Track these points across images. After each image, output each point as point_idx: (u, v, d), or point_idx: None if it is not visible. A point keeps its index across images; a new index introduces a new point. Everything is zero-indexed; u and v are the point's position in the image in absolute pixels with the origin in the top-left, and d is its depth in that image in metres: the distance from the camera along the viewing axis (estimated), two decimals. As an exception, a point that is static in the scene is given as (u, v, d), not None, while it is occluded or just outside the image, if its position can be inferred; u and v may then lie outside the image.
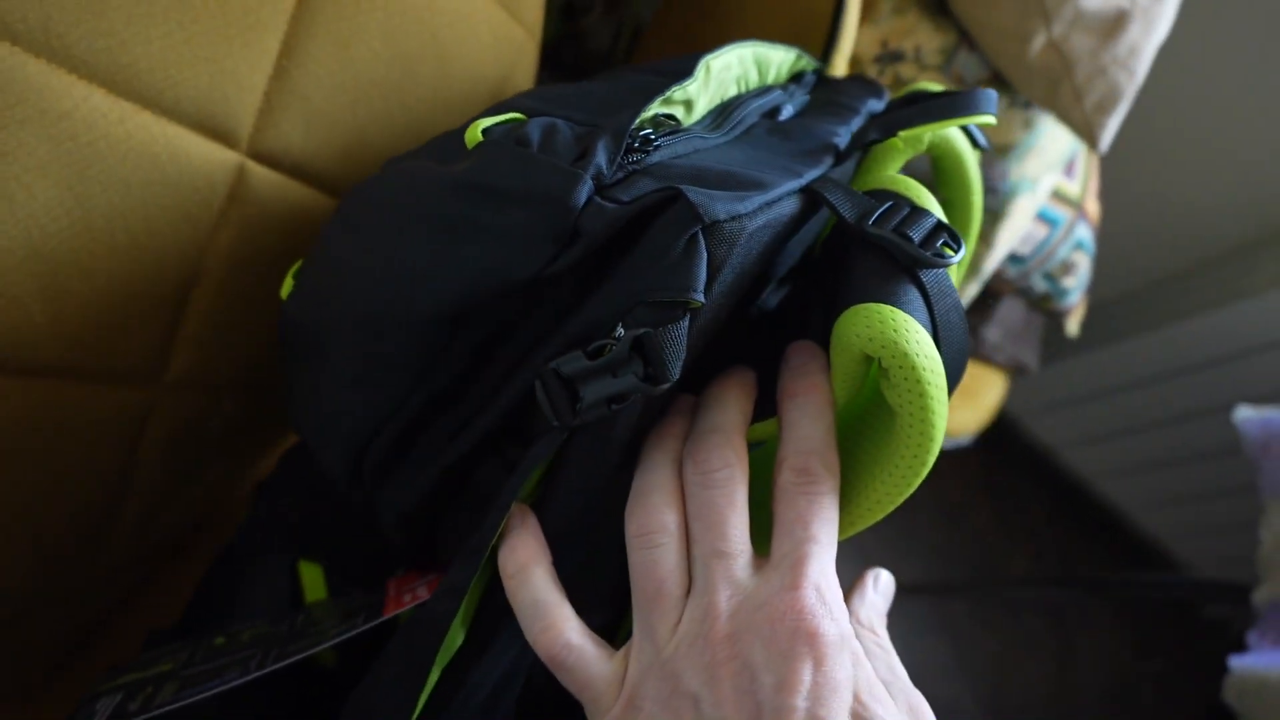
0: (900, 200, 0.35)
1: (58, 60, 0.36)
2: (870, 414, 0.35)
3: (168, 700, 0.40)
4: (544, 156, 0.32)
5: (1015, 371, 1.24)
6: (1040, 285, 1.02)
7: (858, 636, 0.32)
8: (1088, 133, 0.72)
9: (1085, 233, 1.00)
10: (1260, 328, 1.37)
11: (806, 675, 0.28)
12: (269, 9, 0.41)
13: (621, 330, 0.30)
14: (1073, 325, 1.08)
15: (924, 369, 0.29)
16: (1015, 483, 1.97)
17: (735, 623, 0.30)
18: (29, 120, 0.35)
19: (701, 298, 0.30)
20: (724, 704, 0.28)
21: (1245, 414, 1.10)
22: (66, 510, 0.47)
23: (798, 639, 0.29)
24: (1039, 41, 0.67)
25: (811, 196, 0.35)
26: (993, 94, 0.39)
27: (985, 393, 1.22)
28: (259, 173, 0.45)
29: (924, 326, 0.30)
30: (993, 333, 1.13)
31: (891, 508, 0.33)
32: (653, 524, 0.33)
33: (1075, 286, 1.03)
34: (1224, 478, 1.62)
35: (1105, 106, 0.71)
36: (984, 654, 1.73)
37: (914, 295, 0.31)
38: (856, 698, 0.29)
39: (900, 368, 0.29)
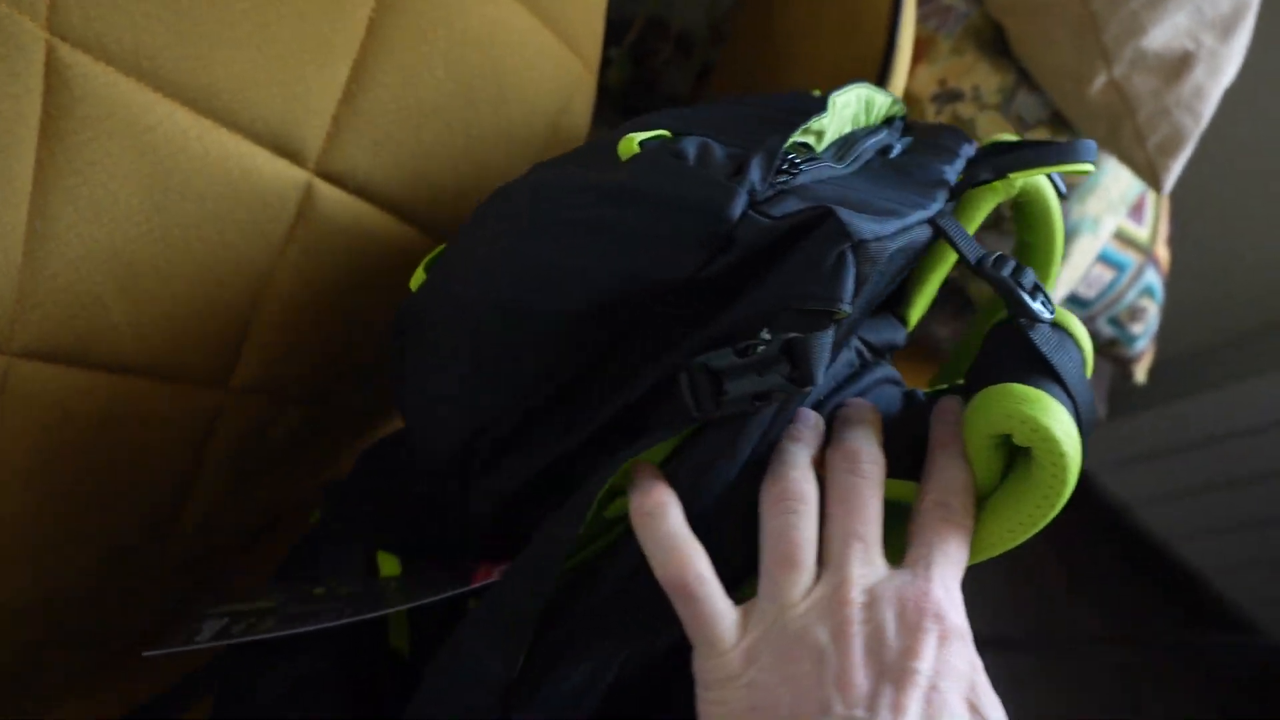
0: (1005, 255, 0.38)
1: (146, 79, 0.39)
2: (1010, 456, 0.37)
3: (268, 630, 0.43)
4: (702, 170, 0.35)
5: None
6: (1106, 330, 1.00)
7: None
8: (1151, 174, 0.72)
9: (1154, 278, 0.98)
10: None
11: (932, 648, 0.30)
12: (342, 37, 0.44)
13: (767, 333, 0.32)
14: (1140, 373, 1.06)
15: (1066, 449, 0.32)
16: (1088, 539, 1.91)
17: (869, 595, 0.32)
18: (117, 133, 0.38)
19: (849, 308, 0.32)
20: (851, 658, 0.30)
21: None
22: (135, 505, 0.50)
23: (927, 616, 0.31)
24: (1099, 82, 0.67)
25: (935, 229, 0.38)
26: (1093, 144, 0.42)
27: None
28: (326, 191, 0.48)
29: (1062, 402, 0.33)
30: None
31: (1007, 547, 0.36)
32: (794, 491, 0.34)
33: (1143, 333, 1.01)
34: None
35: (1169, 148, 0.70)
36: (1048, 712, 1.67)
37: (1044, 381, 0.34)
38: (973, 689, 0.31)
39: (1048, 453, 0.32)
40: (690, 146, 0.36)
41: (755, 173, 0.35)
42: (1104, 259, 0.92)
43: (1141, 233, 0.94)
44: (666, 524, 0.34)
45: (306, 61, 0.43)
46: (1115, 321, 0.99)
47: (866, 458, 0.35)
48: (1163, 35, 0.66)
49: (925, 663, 0.30)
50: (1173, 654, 1.85)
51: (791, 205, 0.34)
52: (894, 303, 0.50)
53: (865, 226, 0.33)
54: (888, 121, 0.51)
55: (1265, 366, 1.40)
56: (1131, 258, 0.94)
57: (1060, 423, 0.32)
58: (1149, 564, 1.90)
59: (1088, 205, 0.80)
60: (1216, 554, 1.77)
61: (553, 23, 0.53)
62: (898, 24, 0.54)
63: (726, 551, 0.36)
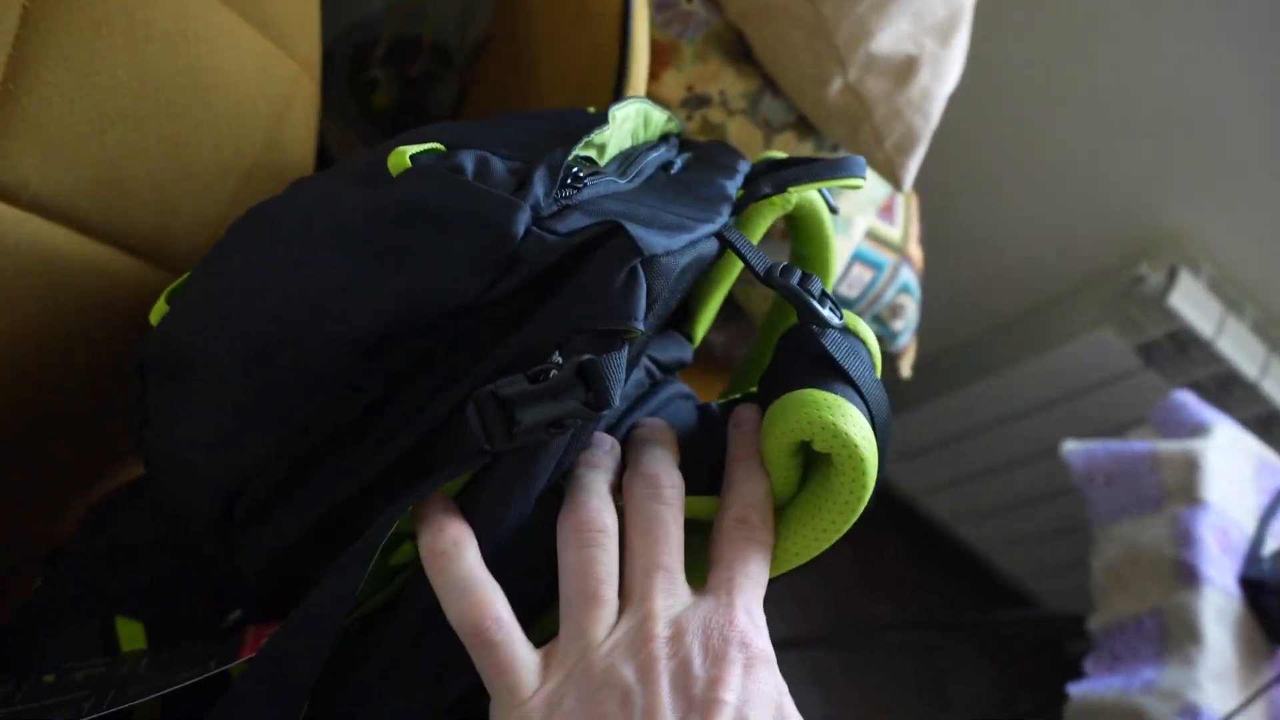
0: (790, 264, 0.39)
1: None
2: (806, 464, 0.37)
3: None
4: (481, 185, 0.33)
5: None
6: (871, 328, 1.04)
7: None
8: (891, 173, 0.75)
9: (910, 276, 1.03)
10: (1084, 369, 1.44)
11: (738, 676, 0.30)
12: (-13, 28, 0.38)
13: (559, 357, 0.31)
14: (905, 367, 1.11)
15: (865, 453, 0.32)
16: (877, 531, 2.00)
17: (674, 628, 0.31)
18: None
19: (642, 326, 0.31)
20: (658, 696, 0.29)
21: (1071, 447, 1.15)
22: None
23: (732, 644, 0.31)
24: (836, 85, 0.70)
25: (722, 242, 0.38)
26: (862, 160, 0.45)
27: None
28: (-8, 208, 0.42)
29: (857, 406, 0.33)
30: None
31: (811, 556, 0.36)
32: (594, 523, 0.33)
33: (904, 329, 1.06)
34: (1071, 515, 1.69)
35: (904, 147, 0.74)
36: (855, 703, 1.73)
37: (838, 384, 0.34)
38: (780, 711, 0.31)
39: (848, 458, 0.32)
40: (467, 160, 0.35)
41: (539, 187, 0.34)
42: (862, 259, 0.96)
43: (894, 233, 0.99)
44: (461, 565, 0.32)
45: (-57, 56, 0.37)
46: (878, 319, 1.03)
47: (666, 482, 0.35)
48: (888, 40, 0.69)
49: (732, 692, 0.30)
50: (965, 632, 1.97)
51: (578, 221, 0.33)
52: (678, 319, 0.50)
53: (655, 241, 0.32)
54: (664, 138, 0.51)
55: (1015, 357, 1.52)
56: (887, 257, 0.99)
57: (857, 426, 0.32)
58: (936, 550, 2.02)
59: (838, 205, 0.83)
60: (995, 534, 1.90)
61: (254, 19, 0.48)
62: (629, 18, 0.53)
63: (522, 587, 0.34)
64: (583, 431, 0.35)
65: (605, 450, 0.37)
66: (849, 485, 0.33)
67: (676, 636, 0.31)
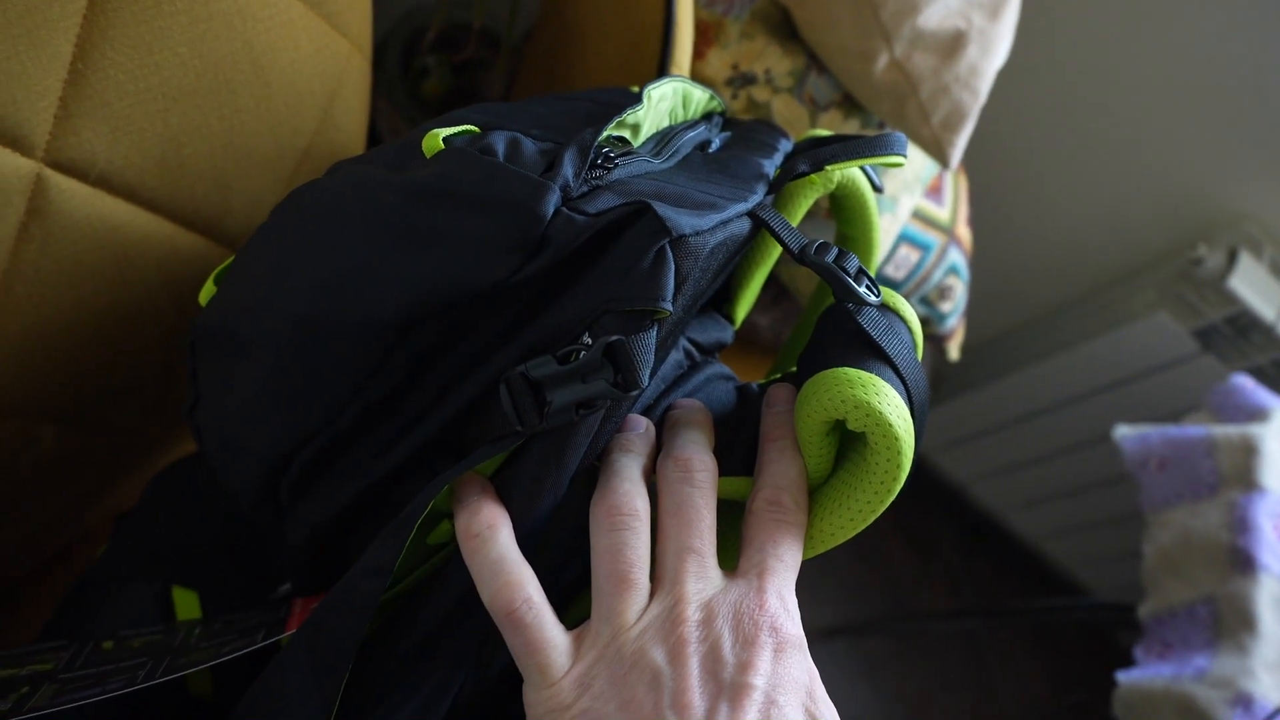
0: (826, 242, 0.38)
1: None
2: (841, 443, 0.37)
3: (42, 705, 0.38)
4: (511, 166, 0.33)
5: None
6: (918, 310, 1.04)
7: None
8: (937, 150, 0.75)
9: (958, 258, 1.02)
10: (1140, 354, 1.41)
11: (767, 661, 0.30)
12: (56, 9, 0.40)
13: (589, 338, 0.31)
14: (954, 350, 1.10)
15: (900, 432, 0.32)
16: (928, 519, 1.99)
17: (705, 612, 0.31)
18: None
19: (670, 307, 0.31)
20: (688, 680, 0.30)
21: (1124, 431, 1.13)
22: None
23: (762, 629, 0.31)
24: (882, 61, 0.69)
25: (756, 221, 0.37)
26: (903, 137, 0.42)
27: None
28: (61, 183, 0.43)
29: (893, 385, 0.33)
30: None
31: (846, 537, 0.35)
32: (625, 507, 0.33)
33: (953, 311, 1.05)
34: (1123, 504, 1.66)
35: (952, 124, 0.73)
36: (904, 692, 1.72)
37: (875, 363, 0.34)
38: (811, 698, 0.31)
39: (882, 438, 0.32)
40: (499, 141, 0.35)
41: (569, 168, 0.34)
42: (910, 240, 0.95)
43: (942, 213, 0.98)
44: (495, 547, 0.32)
45: (17, 36, 0.39)
46: (926, 301, 1.03)
47: (699, 465, 0.35)
48: (936, 14, 0.69)
49: (761, 677, 0.30)
50: (1015, 619, 1.95)
51: (607, 201, 0.33)
52: (719, 300, 0.49)
53: (684, 221, 0.32)
54: (707, 117, 0.50)
55: (1068, 341, 1.49)
56: (935, 238, 0.98)
57: (892, 405, 0.32)
58: (985, 538, 2.00)
59: (884, 184, 0.82)
60: (1045, 523, 1.87)
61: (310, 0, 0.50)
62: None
63: (557, 568, 0.35)
64: (615, 411, 0.35)
65: (639, 433, 0.37)
66: (884, 466, 0.33)
67: (707, 620, 0.31)
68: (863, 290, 0.36)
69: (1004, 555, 2.01)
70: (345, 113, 0.55)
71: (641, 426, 0.37)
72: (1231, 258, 1.29)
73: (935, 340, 1.10)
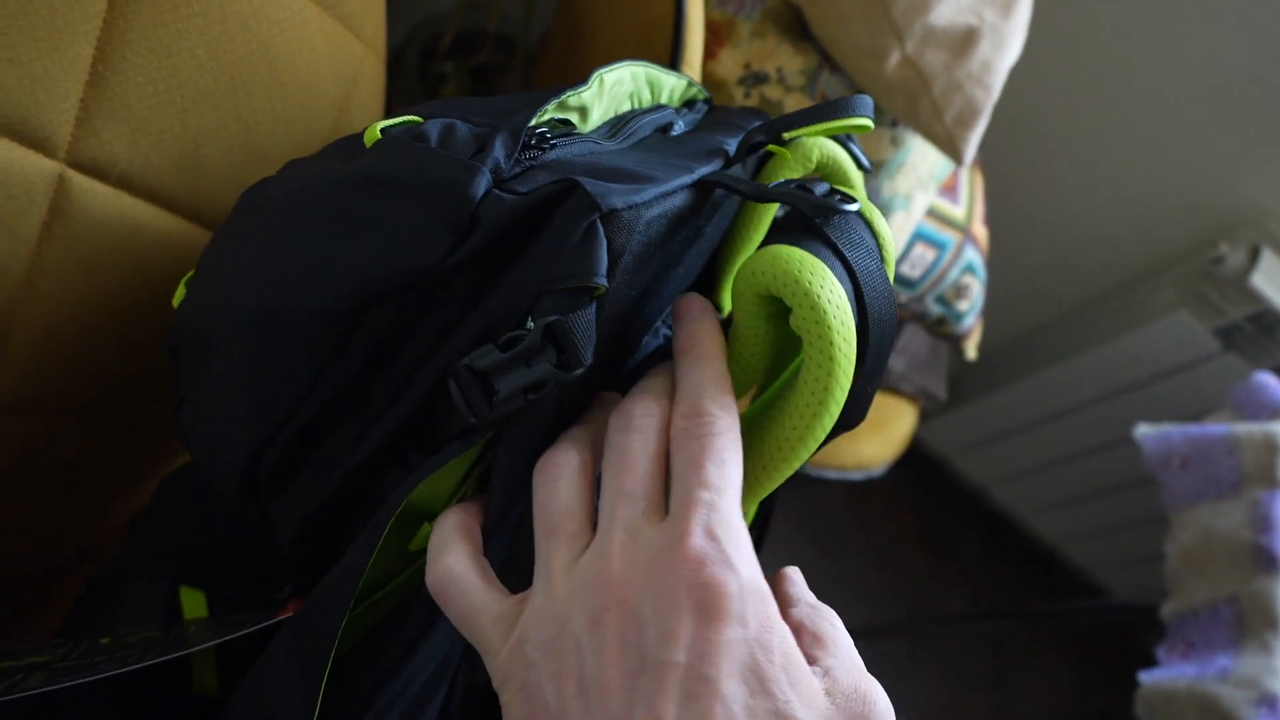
0: (789, 180, 0.37)
1: None
2: (780, 362, 0.35)
3: (33, 687, 0.39)
4: (442, 151, 0.33)
5: (925, 401, 1.25)
6: (935, 309, 1.03)
7: (799, 617, 0.31)
8: (950, 147, 0.75)
9: (975, 256, 1.02)
10: (1160, 353, 1.40)
11: (688, 628, 0.26)
12: (77, 12, 0.40)
13: (530, 322, 0.31)
14: (971, 349, 1.10)
15: (818, 289, 0.30)
16: (947, 522, 1.98)
17: (628, 569, 0.28)
18: None
19: (604, 281, 0.31)
20: (606, 654, 0.26)
21: (1145, 430, 1.13)
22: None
23: (684, 589, 0.26)
24: (894, 58, 0.70)
25: (705, 189, 0.36)
26: (869, 99, 0.40)
27: (895, 423, 1.23)
28: (83, 184, 0.44)
29: (835, 269, 0.31)
30: (898, 363, 1.14)
31: (803, 455, 0.32)
32: (554, 460, 0.32)
33: (969, 310, 1.05)
34: (1145, 505, 1.65)
35: (965, 120, 0.73)
36: (924, 695, 1.71)
37: (817, 244, 0.32)
38: (757, 663, 0.26)
39: (794, 294, 0.30)
40: (433, 129, 0.35)
41: (499, 150, 0.33)
42: (925, 239, 0.95)
43: (958, 212, 0.98)
44: (438, 534, 0.32)
45: (40, 39, 0.40)
46: (942, 300, 1.02)
47: (639, 412, 0.32)
48: (947, 11, 0.69)
49: (680, 650, 0.26)
50: (1036, 621, 1.93)
51: (542, 179, 0.33)
52: (704, 288, 0.49)
53: (615, 197, 0.32)
54: (689, 104, 0.50)
55: (1088, 341, 1.48)
56: (950, 236, 0.98)
57: (830, 290, 0.30)
58: (1006, 540, 1.98)
59: (898, 183, 0.82)
60: (1066, 525, 1.86)
61: (322, 0, 0.50)
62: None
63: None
64: (569, 391, 0.34)
65: (603, 406, 0.36)
66: (817, 358, 0.30)
67: (629, 580, 0.28)
68: (835, 200, 0.34)
69: (1024, 558, 2.00)
70: (360, 113, 0.56)
71: (610, 401, 0.36)
72: (1253, 255, 1.28)
73: (952, 340, 1.09)
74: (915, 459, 1.78)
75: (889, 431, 1.22)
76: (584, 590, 0.28)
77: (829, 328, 0.30)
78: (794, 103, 0.73)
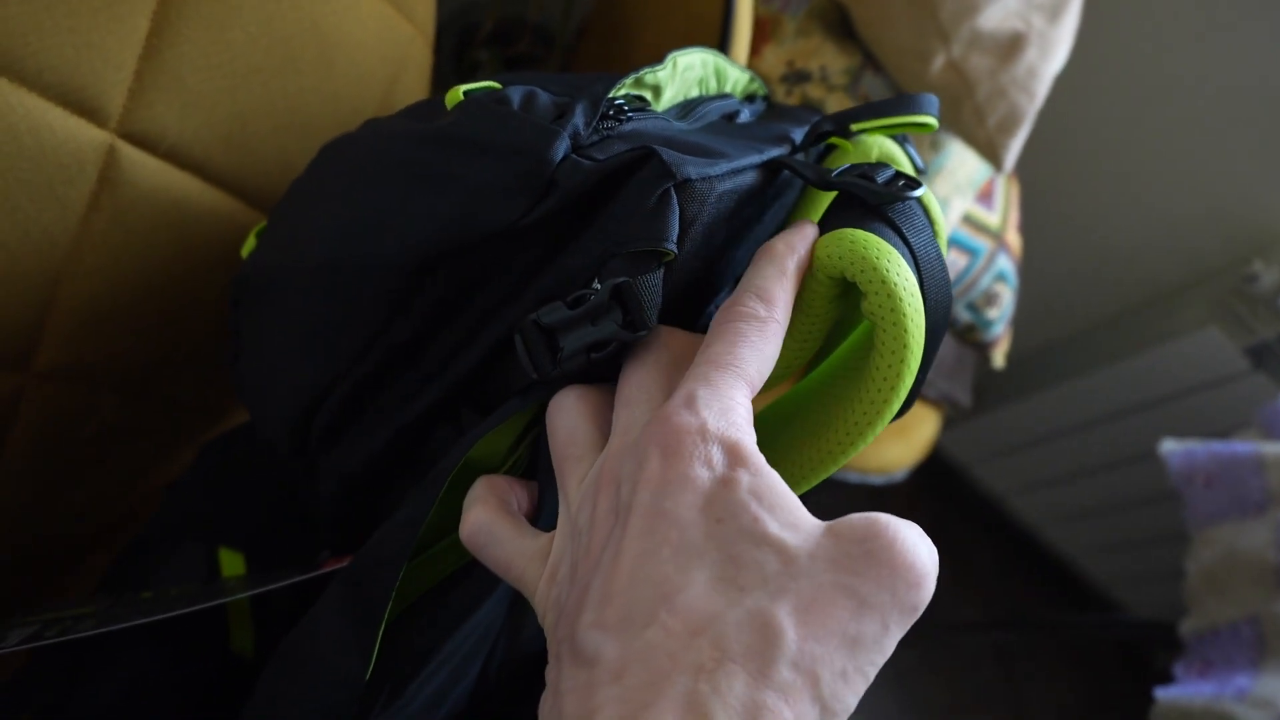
0: (854, 165, 0.36)
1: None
2: (855, 350, 0.35)
3: (83, 630, 0.40)
4: (524, 114, 0.34)
5: (949, 408, 1.25)
6: (964, 316, 1.03)
7: None
8: (991, 153, 0.74)
9: (1007, 264, 1.01)
10: (1189, 369, 1.39)
11: (654, 471, 0.26)
12: (136, -16, 0.41)
13: (598, 283, 0.31)
14: (998, 358, 1.09)
15: (894, 276, 0.30)
16: (964, 531, 1.97)
17: (618, 451, 0.28)
18: None
19: (674, 247, 0.31)
20: (596, 522, 0.27)
21: (1169, 446, 1.12)
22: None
23: (652, 442, 0.26)
24: (939, 61, 0.69)
25: (774, 168, 0.37)
26: (934, 99, 0.40)
27: (918, 428, 1.22)
28: (132, 155, 0.45)
29: (900, 252, 0.31)
30: (924, 367, 1.13)
31: (868, 440, 0.32)
32: (562, 393, 0.32)
33: (999, 318, 1.04)
34: (1166, 522, 1.63)
35: (1007, 127, 0.73)
36: (932, 703, 1.70)
37: (884, 228, 0.32)
38: (721, 497, 0.25)
39: (870, 281, 0.30)
40: (515, 94, 0.36)
41: (579, 117, 0.34)
42: (958, 244, 0.94)
43: (992, 218, 0.98)
44: (471, 492, 0.33)
45: (98, 9, 0.40)
46: (972, 307, 1.02)
47: (651, 336, 0.32)
48: (995, 15, 0.68)
49: (645, 492, 0.25)
50: (1050, 633, 1.92)
51: (617, 149, 0.33)
52: None
53: (690, 167, 0.32)
54: (748, 99, 0.50)
55: (1115, 354, 1.47)
56: (984, 243, 0.97)
57: (902, 274, 0.30)
58: (1023, 553, 1.97)
59: (936, 187, 0.82)
60: (1085, 539, 1.84)
61: (376, -18, 0.51)
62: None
63: None
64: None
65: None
66: (889, 345, 0.30)
67: (615, 456, 0.28)
68: (899, 187, 0.33)
69: (1039, 569, 1.99)
70: (407, 95, 0.56)
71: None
72: (1287, 274, 1.26)
73: (980, 347, 1.09)
74: (934, 466, 1.78)
75: (912, 436, 1.21)
76: (586, 489, 0.29)
77: (903, 314, 0.30)
78: (835, 102, 0.73)
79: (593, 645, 0.24)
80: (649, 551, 0.24)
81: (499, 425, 0.33)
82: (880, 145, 0.40)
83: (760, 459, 0.26)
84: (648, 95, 0.41)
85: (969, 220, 0.94)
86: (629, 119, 0.36)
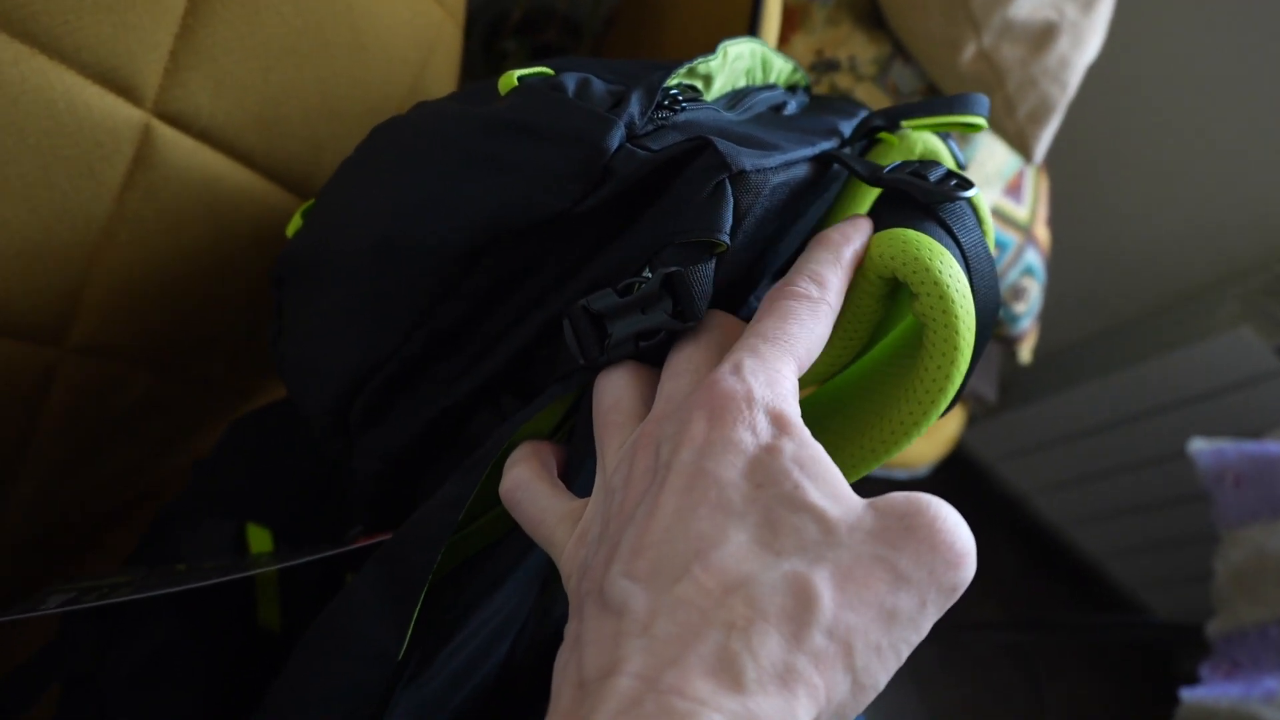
0: (905, 162, 0.36)
1: (-55, -8, 0.36)
2: (900, 347, 0.36)
3: (122, 595, 0.41)
4: (580, 102, 0.34)
5: (974, 403, 1.24)
6: (991, 310, 1.02)
7: None
8: (1021, 144, 0.73)
9: (1035, 258, 1.01)
10: (1220, 369, 1.37)
11: (700, 430, 0.26)
12: (171, -36, 0.41)
13: (649, 272, 0.31)
14: (1025, 353, 1.08)
15: (946, 277, 0.30)
16: (986, 530, 1.96)
17: (660, 415, 0.28)
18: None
19: (727, 239, 0.31)
20: (633, 481, 0.26)
21: (1199, 445, 1.10)
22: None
23: (698, 405, 0.26)
24: (969, 51, 0.69)
25: (825, 162, 0.37)
26: (985, 98, 0.41)
27: (943, 424, 1.22)
28: (167, 134, 0.45)
29: (951, 253, 0.31)
30: (949, 362, 1.12)
31: (915, 438, 0.33)
32: (609, 369, 0.32)
33: (1027, 313, 1.04)
34: (1192, 524, 1.61)
35: (1038, 118, 0.72)
36: (951, 702, 1.69)
37: (935, 228, 0.32)
38: (764, 463, 0.25)
39: (923, 282, 0.30)
40: (570, 80, 0.36)
41: (635, 106, 0.34)
42: (986, 238, 0.94)
43: (1021, 212, 0.97)
44: (511, 460, 0.33)
45: (135, -12, 0.41)
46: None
47: (713, 317, 0.32)
48: (1027, 4, 0.68)
49: (687, 451, 0.25)
50: (1071, 634, 1.90)
51: (671, 139, 0.34)
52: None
53: (745, 158, 0.32)
54: (790, 90, 0.50)
55: (1145, 352, 1.45)
56: (1012, 237, 0.96)
57: (955, 276, 0.30)
58: (1046, 552, 1.96)
59: (964, 178, 0.81)
60: (1110, 540, 1.83)
61: (408, -36, 0.51)
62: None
63: None
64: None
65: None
66: (939, 346, 0.30)
67: (655, 421, 0.28)
68: (951, 187, 0.33)
69: (1061, 570, 1.97)
70: (436, 80, 0.56)
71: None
72: (1322, 273, 1.25)
73: (1007, 342, 1.08)
74: (957, 464, 1.77)
75: (936, 431, 1.21)
76: (624, 452, 0.28)
77: (955, 316, 0.30)
78: (864, 92, 0.73)
79: (621, 594, 0.23)
80: (686, 508, 0.24)
81: (542, 411, 0.33)
82: (925, 141, 0.40)
83: (805, 431, 0.26)
84: (699, 85, 0.41)
85: (997, 213, 0.93)
86: (683, 109, 0.37)
